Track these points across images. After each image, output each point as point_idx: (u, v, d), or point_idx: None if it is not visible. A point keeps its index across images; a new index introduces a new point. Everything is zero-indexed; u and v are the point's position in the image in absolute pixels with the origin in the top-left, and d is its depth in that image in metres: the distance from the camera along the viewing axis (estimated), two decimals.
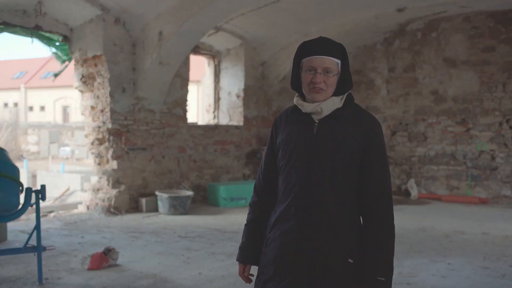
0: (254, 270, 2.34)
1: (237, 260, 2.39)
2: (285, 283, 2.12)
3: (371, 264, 2.08)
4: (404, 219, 8.00)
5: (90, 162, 17.00)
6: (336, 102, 2.19)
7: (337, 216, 2.11)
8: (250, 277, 2.38)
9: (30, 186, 13.27)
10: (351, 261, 2.10)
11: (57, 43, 8.61)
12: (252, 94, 11.00)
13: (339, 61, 2.16)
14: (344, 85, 2.18)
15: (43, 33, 8.14)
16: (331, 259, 2.09)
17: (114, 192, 8.39)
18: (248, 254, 2.35)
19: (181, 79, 9.46)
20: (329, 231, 2.10)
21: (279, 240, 2.17)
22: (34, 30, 7.89)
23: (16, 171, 4.58)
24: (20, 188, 4.58)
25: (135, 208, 8.69)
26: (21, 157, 22.71)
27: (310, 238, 2.11)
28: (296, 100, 2.25)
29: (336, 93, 2.19)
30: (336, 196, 2.12)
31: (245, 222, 2.42)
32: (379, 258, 2.09)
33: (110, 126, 8.37)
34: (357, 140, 2.13)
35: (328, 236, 2.10)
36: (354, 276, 2.10)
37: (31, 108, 42.87)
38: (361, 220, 2.19)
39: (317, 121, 2.18)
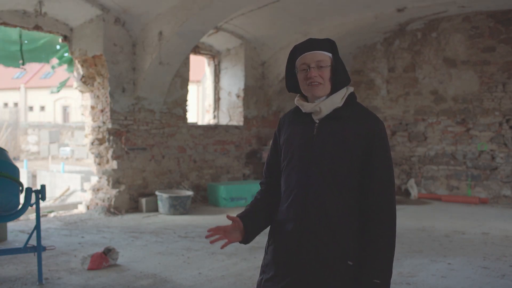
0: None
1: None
2: (285, 283, 2.13)
3: (368, 267, 2.07)
4: (404, 219, 8.00)
5: (90, 162, 16.99)
6: (336, 101, 2.16)
7: (336, 218, 2.10)
8: (230, 226, 2.24)
9: (30, 186, 13.27)
10: (351, 263, 2.09)
11: (58, 46, 8.70)
12: (252, 94, 11.00)
13: (330, 54, 2.18)
14: (338, 78, 2.16)
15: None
16: (330, 262, 2.08)
17: (114, 192, 8.39)
18: (245, 214, 2.28)
19: (181, 79, 9.46)
20: (328, 234, 2.09)
21: (280, 241, 2.19)
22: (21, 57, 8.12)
23: (16, 171, 4.58)
24: (20, 188, 4.59)
25: (135, 208, 8.69)
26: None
27: (309, 240, 2.11)
28: (296, 100, 2.25)
29: (333, 89, 2.18)
30: (335, 198, 2.11)
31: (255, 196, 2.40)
32: (377, 261, 2.07)
33: (110, 126, 8.37)
34: (358, 141, 2.11)
35: (327, 239, 2.09)
36: (353, 278, 2.10)
37: (31, 108, 42.86)
38: (363, 221, 2.15)
39: (317, 121, 2.18)
